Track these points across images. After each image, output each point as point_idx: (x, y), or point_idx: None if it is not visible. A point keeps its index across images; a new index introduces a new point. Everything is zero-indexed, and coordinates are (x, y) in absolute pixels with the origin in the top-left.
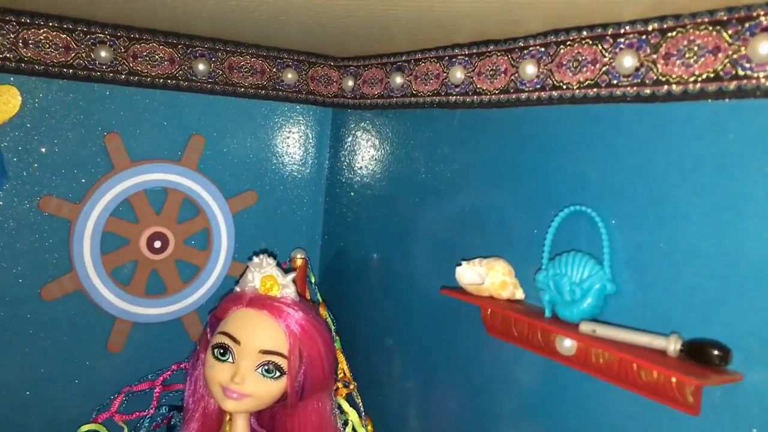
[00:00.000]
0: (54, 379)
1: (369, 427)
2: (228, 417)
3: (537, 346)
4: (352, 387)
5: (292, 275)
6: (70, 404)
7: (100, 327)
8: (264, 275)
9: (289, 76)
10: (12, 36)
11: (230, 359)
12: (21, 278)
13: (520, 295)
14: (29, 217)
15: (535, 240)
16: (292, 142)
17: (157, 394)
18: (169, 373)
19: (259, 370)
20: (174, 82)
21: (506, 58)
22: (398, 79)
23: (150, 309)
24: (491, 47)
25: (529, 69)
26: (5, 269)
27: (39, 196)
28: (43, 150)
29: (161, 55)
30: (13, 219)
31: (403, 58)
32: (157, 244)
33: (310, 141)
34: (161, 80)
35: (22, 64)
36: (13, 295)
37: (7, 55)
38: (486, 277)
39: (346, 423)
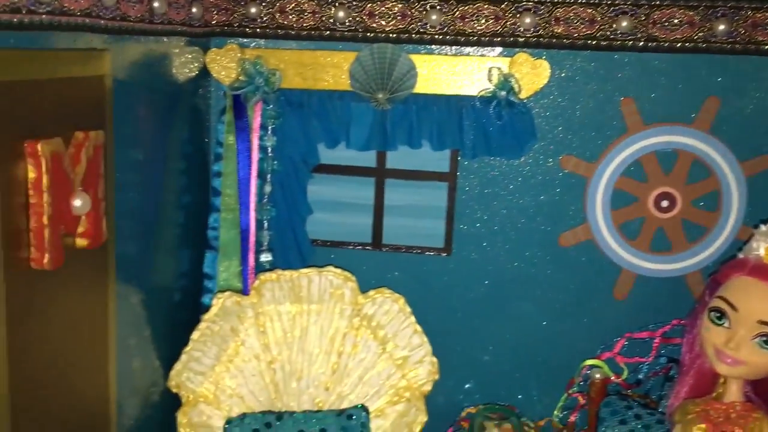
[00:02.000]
0: (565, 316)
1: None
2: (722, 380)
3: None
4: None
5: None
6: (577, 339)
7: (607, 275)
8: None
9: None
10: (546, 15)
11: (726, 324)
12: (543, 225)
13: None
14: (552, 174)
15: None
16: None
17: (656, 345)
18: (668, 326)
19: (756, 340)
20: (691, 44)
21: None
22: None
23: (654, 264)
24: None
25: None
26: (531, 217)
27: (560, 156)
28: (566, 115)
29: (680, 19)
30: (539, 175)
31: None
32: (665, 203)
33: None
34: (678, 44)
35: (553, 40)
36: (536, 240)
37: (541, 32)
38: None
39: None
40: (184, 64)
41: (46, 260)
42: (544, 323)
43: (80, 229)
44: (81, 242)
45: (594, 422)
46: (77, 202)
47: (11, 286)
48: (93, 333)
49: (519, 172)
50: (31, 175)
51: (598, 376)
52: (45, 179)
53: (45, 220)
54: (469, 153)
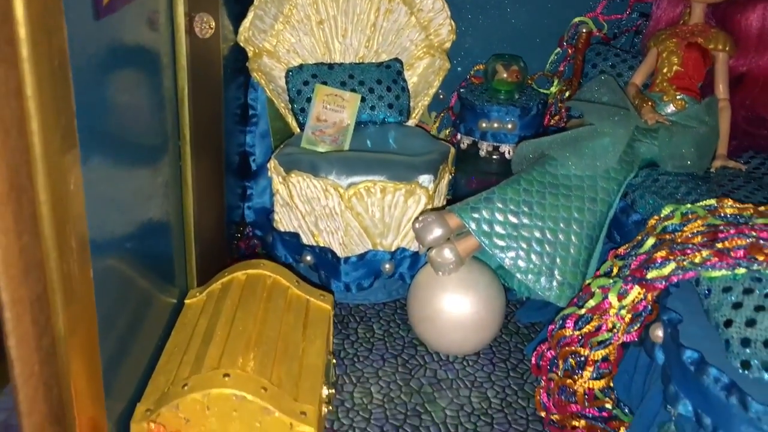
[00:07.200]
0: None
1: None
2: (687, 9)
3: None
4: None
5: None
6: (567, 5)
7: None
8: None
9: None
10: None
11: None
12: None
13: None
14: None
15: None
16: None
17: (631, 3)
18: None
19: None
20: None
21: None
22: None
23: None
24: None
25: None
26: None
27: None
28: None
29: None
30: None
31: None
32: None
33: None
34: None
35: None
36: None
37: None
38: None
39: None
40: None
41: None
42: None
43: None
44: None
45: (580, 67)
46: None
47: None
48: None
49: None
50: None
51: (584, 30)
52: None
53: None
54: None
